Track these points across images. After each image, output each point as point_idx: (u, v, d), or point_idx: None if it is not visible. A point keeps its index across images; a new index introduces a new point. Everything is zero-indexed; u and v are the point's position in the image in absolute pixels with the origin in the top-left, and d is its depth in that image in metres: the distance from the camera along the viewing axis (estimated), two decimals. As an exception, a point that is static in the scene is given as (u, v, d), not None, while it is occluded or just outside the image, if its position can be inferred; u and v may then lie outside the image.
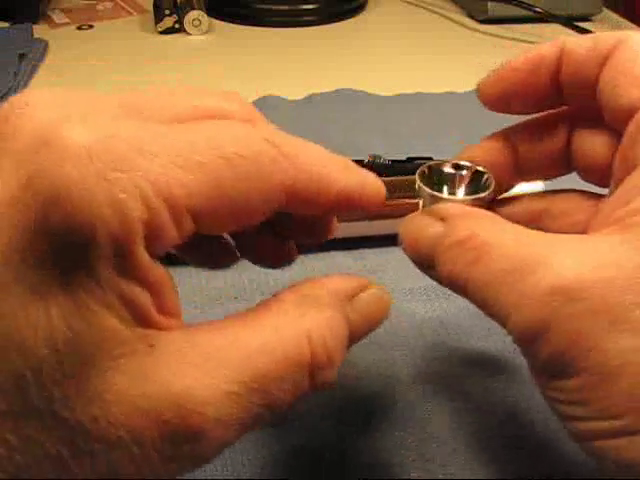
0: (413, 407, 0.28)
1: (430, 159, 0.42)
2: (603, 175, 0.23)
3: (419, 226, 0.23)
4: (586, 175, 0.25)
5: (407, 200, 0.38)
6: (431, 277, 0.23)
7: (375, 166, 0.42)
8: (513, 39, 0.71)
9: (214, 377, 0.17)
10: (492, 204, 0.27)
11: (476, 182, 0.25)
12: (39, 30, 0.71)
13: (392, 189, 0.38)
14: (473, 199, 0.24)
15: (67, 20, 0.75)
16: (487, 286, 0.20)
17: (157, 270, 0.18)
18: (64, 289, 0.16)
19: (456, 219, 0.22)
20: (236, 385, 0.17)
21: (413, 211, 0.26)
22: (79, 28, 0.73)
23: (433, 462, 0.26)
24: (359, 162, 0.41)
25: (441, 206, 0.23)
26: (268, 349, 0.18)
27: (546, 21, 0.71)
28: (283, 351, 0.18)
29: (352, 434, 0.27)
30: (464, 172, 0.25)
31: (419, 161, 0.43)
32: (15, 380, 0.16)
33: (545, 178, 0.27)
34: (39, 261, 0.16)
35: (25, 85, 0.59)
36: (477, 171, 0.25)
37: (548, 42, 0.24)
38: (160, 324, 0.18)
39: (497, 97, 0.25)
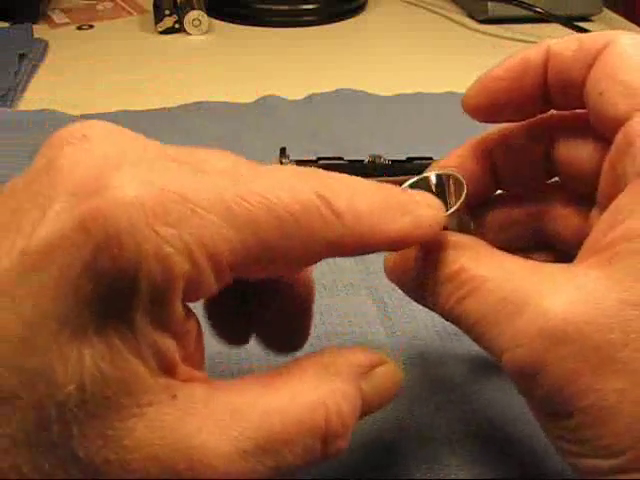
0: (413, 407, 0.28)
1: (430, 159, 0.42)
2: (589, 183, 0.23)
3: (404, 256, 0.23)
4: (570, 184, 0.25)
5: None
6: (422, 305, 0.23)
7: (375, 166, 0.42)
8: (513, 39, 0.71)
9: (229, 433, 0.18)
10: (488, 206, 0.27)
11: (450, 189, 0.24)
12: (39, 30, 0.71)
13: None
14: (450, 214, 0.23)
15: (67, 20, 0.75)
16: (479, 322, 0.20)
17: (189, 321, 0.18)
18: (99, 332, 0.16)
19: (442, 250, 0.22)
20: (249, 443, 0.18)
21: None
22: (79, 28, 0.73)
23: (433, 462, 0.26)
24: (359, 162, 0.42)
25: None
26: (283, 412, 0.18)
27: (546, 21, 0.71)
28: (298, 415, 0.19)
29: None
30: (434, 182, 0.24)
31: (419, 161, 0.43)
32: (39, 413, 0.16)
33: (524, 188, 0.26)
34: (80, 301, 0.16)
35: (25, 85, 0.59)
36: (448, 178, 0.24)
37: (533, 46, 0.23)
38: (184, 375, 0.18)
39: (482, 107, 0.24)
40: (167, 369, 0.18)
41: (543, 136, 0.25)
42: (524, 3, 0.71)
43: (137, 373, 0.17)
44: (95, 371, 0.16)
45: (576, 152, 0.24)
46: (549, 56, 0.23)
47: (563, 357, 0.18)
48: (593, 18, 0.76)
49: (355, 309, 0.33)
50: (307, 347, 0.31)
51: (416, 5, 0.82)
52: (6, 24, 0.71)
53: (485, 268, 0.20)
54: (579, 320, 0.18)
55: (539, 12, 0.70)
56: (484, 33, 0.73)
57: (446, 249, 0.22)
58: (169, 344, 0.17)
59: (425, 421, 0.28)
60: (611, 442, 0.18)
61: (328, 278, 0.35)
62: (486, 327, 0.20)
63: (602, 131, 0.22)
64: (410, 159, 0.43)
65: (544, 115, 0.24)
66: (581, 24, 0.70)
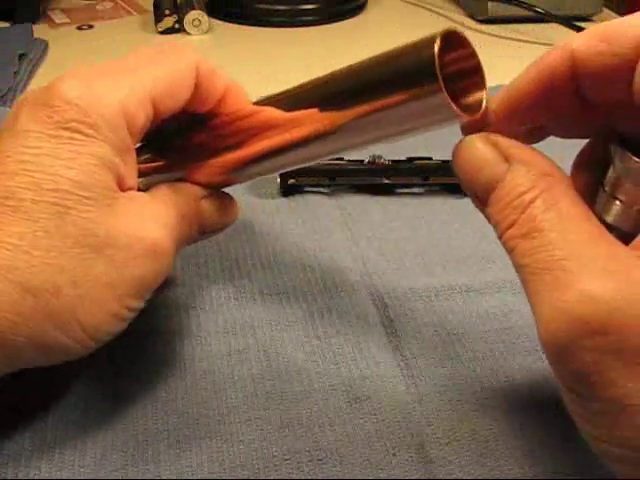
0: (413, 408, 0.28)
1: (430, 159, 0.42)
2: None
3: (482, 159, 0.22)
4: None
5: None
6: (480, 210, 0.22)
7: (375, 166, 0.42)
8: (513, 39, 0.70)
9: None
10: None
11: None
12: (39, 30, 0.71)
13: None
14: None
15: (67, 20, 0.75)
16: (527, 270, 0.19)
17: (131, 152, 0.27)
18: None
19: (521, 167, 0.21)
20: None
21: None
22: (79, 28, 0.73)
23: (433, 462, 0.26)
24: (359, 162, 0.42)
25: (507, 144, 0.21)
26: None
27: (546, 21, 0.71)
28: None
29: (350, 434, 0.27)
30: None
31: (419, 161, 0.43)
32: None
33: None
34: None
35: (25, 85, 0.59)
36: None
37: (552, 51, 0.22)
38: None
39: (506, 119, 0.23)
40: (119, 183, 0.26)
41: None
42: (524, 3, 0.71)
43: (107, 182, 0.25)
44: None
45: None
46: (576, 62, 0.22)
47: (598, 347, 0.18)
48: (593, 18, 0.76)
49: (355, 309, 0.33)
50: (307, 348, 0.31)
51: (416, 5, 0.82)
52: (6, 24, 0.71)
53: (552, 215, 0.19)
54: (623, 315, 0.18)
55: (539, 12, 0.70)
56: (484, 33, 0.73)
57: (525, 166, 0.21)
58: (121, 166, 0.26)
59: (425, 421, 0.28)
60: (628, 435, 0.18)
61: (328, 278, 0.35)
62: (532, 279, 0.19)
63: None
64: (410, 159, 0.43)
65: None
66: (581, 24, 0.70)
